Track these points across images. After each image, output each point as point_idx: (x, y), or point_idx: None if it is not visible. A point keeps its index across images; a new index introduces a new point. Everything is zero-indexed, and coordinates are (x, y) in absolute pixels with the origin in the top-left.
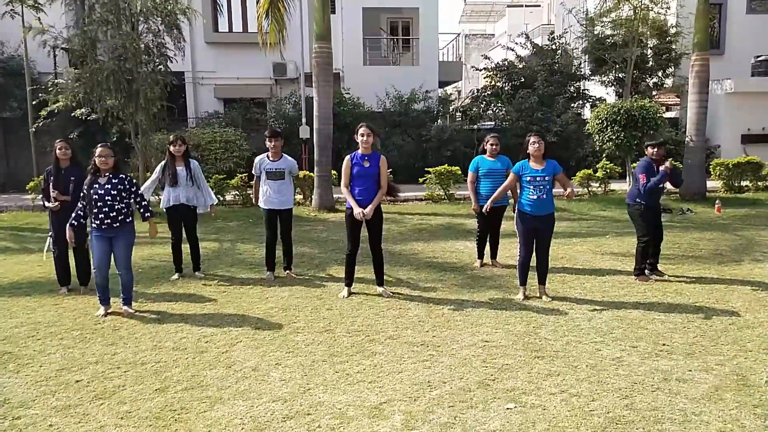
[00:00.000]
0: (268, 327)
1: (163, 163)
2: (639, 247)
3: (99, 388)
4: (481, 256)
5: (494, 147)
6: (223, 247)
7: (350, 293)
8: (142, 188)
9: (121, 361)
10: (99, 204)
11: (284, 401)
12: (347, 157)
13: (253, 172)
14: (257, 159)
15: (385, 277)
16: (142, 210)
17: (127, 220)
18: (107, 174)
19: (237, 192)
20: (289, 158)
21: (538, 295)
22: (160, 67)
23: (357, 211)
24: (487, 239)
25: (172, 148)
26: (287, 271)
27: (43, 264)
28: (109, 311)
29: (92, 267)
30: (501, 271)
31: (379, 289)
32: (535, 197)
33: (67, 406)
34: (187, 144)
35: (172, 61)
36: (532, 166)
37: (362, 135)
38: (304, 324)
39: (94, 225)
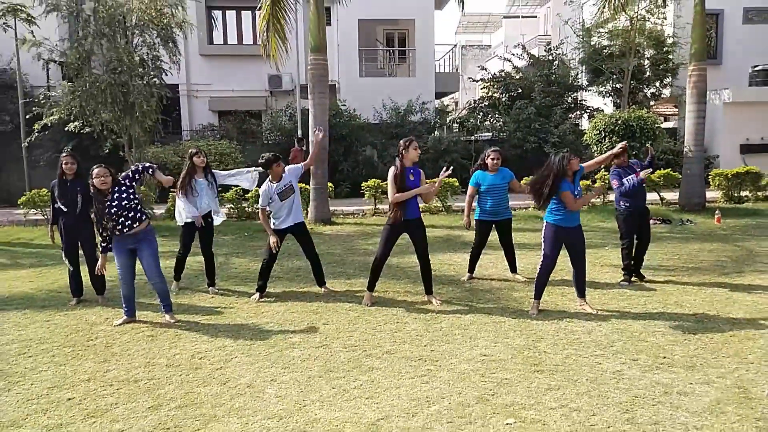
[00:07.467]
0: (263, 342)
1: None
2: (622, 250)
3: (91, 407)
4: (471, 270)
5: (495, 161)
6: (218, 261)
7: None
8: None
9: (113, 378)
10: (121, 217)
11: (280, 418)
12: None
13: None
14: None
15: (383, 291)
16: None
17: (144, 219)
18: (109, 190)
19: (231, 205)
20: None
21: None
22: (155, 79)
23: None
24: (480, 254)
25: (196, 159)
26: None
27: (35, 279)
28: (129, 322)
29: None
30: (499, 284)
31: (428, 297)
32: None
33: (58, 424)
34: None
35: (167, 74)
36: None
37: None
38: (300, 339)
39: (116, 236)
